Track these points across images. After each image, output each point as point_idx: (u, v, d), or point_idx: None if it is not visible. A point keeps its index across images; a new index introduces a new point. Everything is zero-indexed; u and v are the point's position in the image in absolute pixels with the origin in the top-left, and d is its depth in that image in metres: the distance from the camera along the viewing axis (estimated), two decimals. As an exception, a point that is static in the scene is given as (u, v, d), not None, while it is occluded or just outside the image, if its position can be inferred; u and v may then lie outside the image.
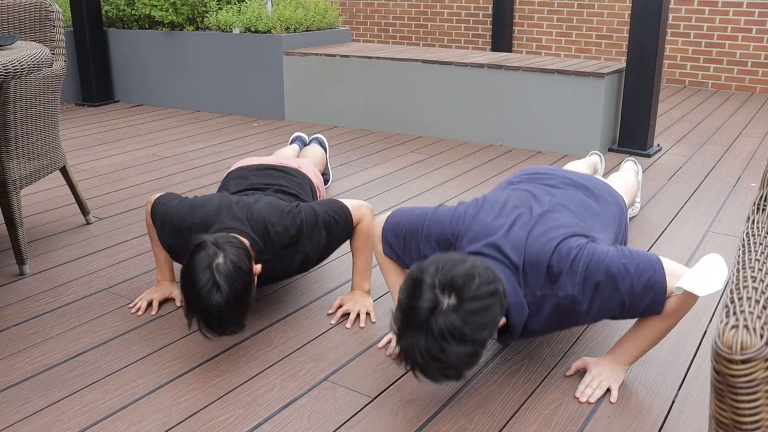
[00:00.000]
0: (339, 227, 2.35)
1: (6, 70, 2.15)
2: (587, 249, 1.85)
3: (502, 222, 1.95)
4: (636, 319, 1.96)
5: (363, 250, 2.44)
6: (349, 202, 2.41)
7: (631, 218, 3.32)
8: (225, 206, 2.28)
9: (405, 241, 2.08)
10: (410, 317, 1.66)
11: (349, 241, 2.45)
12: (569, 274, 1.83)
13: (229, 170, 3.01)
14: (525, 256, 1.87)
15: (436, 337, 1.63)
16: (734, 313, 0.88)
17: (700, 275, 1.75)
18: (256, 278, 2.09)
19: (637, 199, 3.38)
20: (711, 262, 1.78)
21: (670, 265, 1.84)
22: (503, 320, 1.82)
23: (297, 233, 2.27)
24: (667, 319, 1.87)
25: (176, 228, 2.28)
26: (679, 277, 1.81)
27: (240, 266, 1.98)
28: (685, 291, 1.78)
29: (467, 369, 1.71)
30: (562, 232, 1.90)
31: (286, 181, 2.62)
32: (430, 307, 1.64)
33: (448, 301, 1.64)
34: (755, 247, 1.14)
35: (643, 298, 1.81)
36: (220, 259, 1.95)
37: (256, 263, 2.16)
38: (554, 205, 2.05)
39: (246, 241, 2.16)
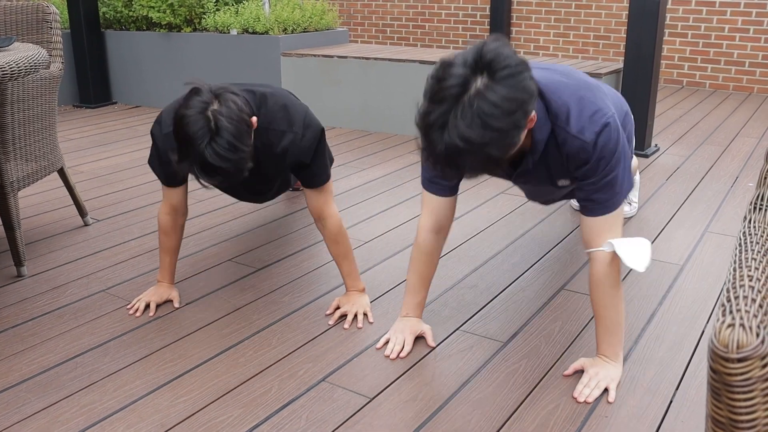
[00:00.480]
0: (322, 160, 2.35)
1: (3, 72, 2.15)
2: (613, 116, 1.86)
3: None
4: (594, 315, 2.04)
5: (345, 255, 2.45)
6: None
7: (629, 218, 3.33)
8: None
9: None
10: (441, 92, 1.55)
11: (329, 250, 2.45)
12: (591, 121, 1.82)
13: None
14: (552, 82, 1.86)
15: (476, 114, 1.52)
16: (731, 312, 0.88)
17: (630, 245, 1.86)
18: (252, 131, 2.05)
19: (635, 199, 3.38)
20: (641, 243, 1.87)
21: (619, 222, 1.95)
22: (533, 115, 1.69)
23: (293, 111, 2.28)
24: (608, 288, 1.95)
25: (175, 111, 2.26)
26: (617, 236, 1.93)
27: (238, 113, 1.96)
28: (613, 251, 1.90)
29: (511, 145, 1.61)
30: (598, 90, 1.92)
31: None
32: (462, 81, 1.54)
33: (481, 77, 1.54)
34: (752, 246, 1.14)
35: (604, 192, 1.89)
36: (215, 105, 1.94)
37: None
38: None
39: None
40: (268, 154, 2.28)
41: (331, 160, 2.43)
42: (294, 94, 2.56)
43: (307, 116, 2.32)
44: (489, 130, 1.53)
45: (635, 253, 1.84)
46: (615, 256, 1.93)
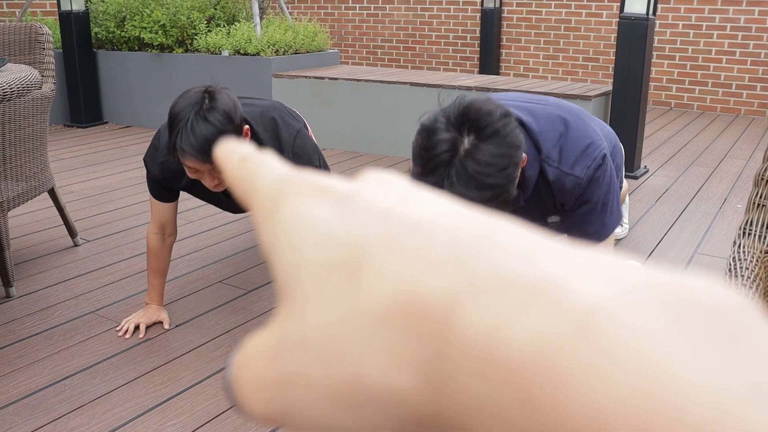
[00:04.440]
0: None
1: (-5, 93, 2.16)
2: (604, 146, 1.88)
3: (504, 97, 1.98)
4: None
5: None
6: None
7: (620, 239, 3.34)
8: None
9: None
10: (432, 160, 1.57)
11: None
12: (583, 156, 1.84)
13: None
14: (540, 121, 1.87)
15: (470, 176, 1.54)
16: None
17: None
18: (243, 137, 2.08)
19: (625, 220, 3.40)
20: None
21: (611, 243, 1.99)
22: (525, 157, 1.72)
23: (287, 132, 2.30)
24: None
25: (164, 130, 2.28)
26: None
27: (229, 110, 2.00)
28: None
29: (508, 198, 1.63)
30: (589, 124, 1.94)
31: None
32: (450, 147, 1.55)
33: (468, 138, 1.55)
34: (742, 272, 1.15)
35: (593, 224, 1.92)
36: (207, 102, 1.98)
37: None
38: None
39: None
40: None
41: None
42: (292, 112, 2.56)
43: (299, 135, 2.32)
44: (486, 189, 1.55)
45: None
46: None
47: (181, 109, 2.00)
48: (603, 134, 2.13)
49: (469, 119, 1.57)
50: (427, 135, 1.60)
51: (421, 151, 1.60)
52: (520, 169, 1.64)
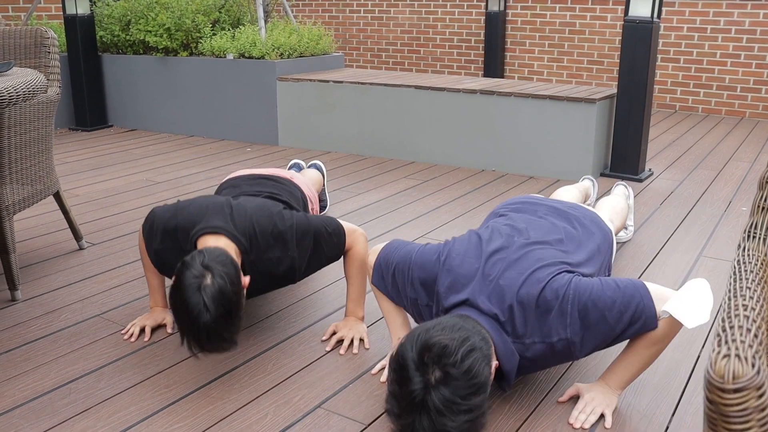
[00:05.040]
0: (330, 241, 2.35)
1: (1, 97, 2.16)
2: (573, 287, 1.87)
3: (479, 266, 1.97)
4: (626, 346, 1.97)
5: (357, 276, 2.44)
6: (344, 224, 2.42)
7: (624, 242, 3.34)
8: (211, 206, 2.27)
9: (394, 277, 2.11)
10: (407, 403, 1.65)
11: (343, 267, 2.46)
12: (558, 316, 1.85)
13: (221, 181, 3.02)
14: (507, 305, 1.89)
15: (436, 416, 1.62)
16: (726, 342, 0.88)
17: (686, 302, 1.78)
18: (244, 291, 2.08)
19: (630, 223, 3.40)
20: (697, 289, 1.80)
21: (655, 289, 1.87)
22: (495, 364, 1.82)
23: (284, 234, 2.26)
24: (655, 344, 1.89)
25: (163, 230, 2.27)
26: (665, 300, 1.85)
27: (227, 286, 1.96)
28: (671, 315, 1.81)
29: (481, 421, 1.70)
30: (546, 273, 1.91)
31: (277, 190, 2.61)
32: (421, 387, 1.63)
33: (434, 376, 1.63)
34: (746, 275, 1.15)
35: (633, 325, 1.84)
36: (208, 281, 1.94)
37: (243, 273, 2.15)
38: (538, 238, 2.08)
39: (231, 248, 2.16)
40: (270, 278, 2.31)
41: (325, 205, 2.43)
42: (275, 197, 2.55)
43: (297, 230, 2.29)
44: (449, 428, 1.62)
45: (694, 305, 1.76)
46: (674, 320, 1.84)
47: (185, 319, 1.95)
48: (590, 242, 2.18)
49: (432, 356, 1.64)
50: (399, 380, 1.66)
51: (395, 387, 1.67)
52: (485, 403, 1.70)
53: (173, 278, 2.00)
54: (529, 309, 1.87)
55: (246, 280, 2.10)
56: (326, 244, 2.34)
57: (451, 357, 1.64)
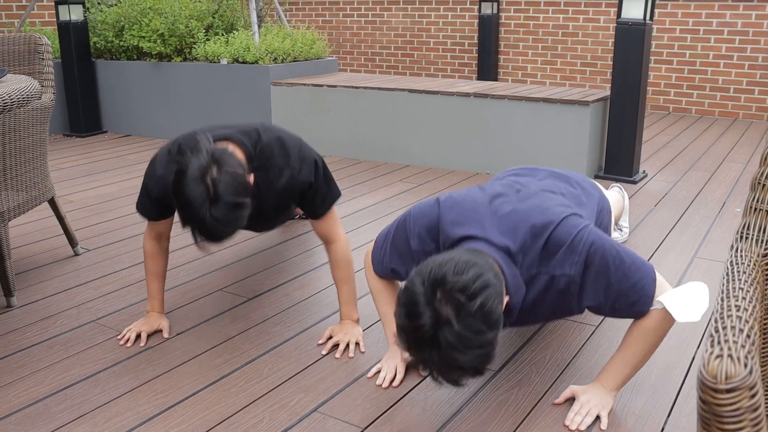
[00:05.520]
0: (324, 187, 2.38)
1: (-5, 103, 2.16)
2: (587, 231, 1.87)
3: (486, 200, 1.97)
4: (620, 344, 1.98)
5: (344, 279, 2.46)
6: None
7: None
8: (215, 126, 2.33)
9: (395, 244, 2.10)
10: (416, 337, 1.63)
11: (331, 273, 2.48)
12: (568, 252, 1.85)
13: None
14: (520, 236, 1.87)
15: (447, 350, 1.60)
16: (719, 343, 0.89)
17: (682, 298, 1.79)
18: (249, 190, 2.08)
19: (626, 225, 3.41)
20: (696, 290, 1.81)
21: (660, 280, 1.89)
22: (507, 299, 1.81)
23: (289, 147, 2.30)
24: (647, 338, 1.90)
25: (169, 151, 2.29)
26: (663, 292, 1.87)
27: (236, 179, 1.97)
28: (665, 308, 1.83)
29: (485, 366, 1.68)
30: (560, 211, 1.92)
31: None
32: (432, 323, 1.60)
33: (445, 311, 1.60)
34: (739, 275, 1.15)
35: (630, 295, 1.85)
36: (215, 173, 1.94)
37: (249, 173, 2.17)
38: (544, 189, 2.09)
39: (238, 150, 2.18)
40: (268, 193, 2.32)
41: (338, 193, 2.46)
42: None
43: (302, 149, 2.35)
44: (459, 364, 1.62)
45: (688, 303, 1.77)
46: (668, 313, 1.86)
47: (188, 204, 1.95)
48: (590, 201, 2.18)
49: (447, 290, 1.62)
50: (409, 314, 1.64)
51: (405, 322, 1.66)
52: (496, 340, 1.68)
53: (177, 168, 2.01)
54: (540, 240, 1.86)
55: (251, 177, 2.11)
56: (321, 182, 2.37)
57: (464, 293, 1.61)
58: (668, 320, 1.86)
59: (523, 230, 1.88)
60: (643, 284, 1.85)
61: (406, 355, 2.20)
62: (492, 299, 1.63)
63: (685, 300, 1.79)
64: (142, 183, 2.37)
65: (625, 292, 1.85)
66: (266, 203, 2.35)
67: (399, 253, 2.10)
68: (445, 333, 1.59)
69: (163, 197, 2.33)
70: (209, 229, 1.98)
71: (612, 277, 1.84)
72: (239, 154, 2.19)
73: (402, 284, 1.96)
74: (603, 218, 2.31)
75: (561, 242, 1.85)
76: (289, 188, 2.32)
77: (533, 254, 1.87)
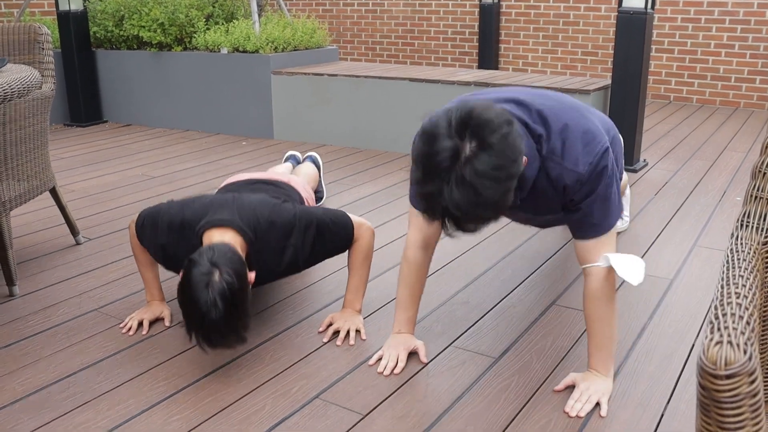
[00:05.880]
0: (335, 234, 2.36)
1: (-4, 92, 2.17)
2: (608, 155, 1.90)
3: (514, 96, 1.97)
4: (587, 325, 2.06)
5: (360, 268, 2.45)
6: (353, 217, 2.43)
7: (620, 232, 3.36)
8: (216, 201, 2.32)
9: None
10: (433, 166, 1.59)
11: (347, 257, 2.47)
12: (585, 152, 1.87)
13: (218, 187, 3.04)
14: (554, 127, 1.88)
15: (468, 183, 1.57)
16: (719, 329, 0.90)
17: (624, 261, 1.89)
18: (250, 287, 2.11)
19: (627, 213, 3.41)
20: (635, 260, 1.90)
21: (613, 237, 1.99)
22: (525, 159, 1.77)
23: (288, 224, 2.29)
24: (604, 301, 1.98)
25: (169, 225, 2.30)
26: (612, 246, 1.98)
27: (235, 283, 1.99)
28: (609, 267, 1.93)
29: (505, 207, 1.66)
30: (590, 121, 1.94)
31: (276, 193, 2.63)
32: (452, 151, 1.57)
33: (469, 145, 1.58)
34: (739, 263, 1.16)
35: (598, 216, 1.94)
36: (216, 278, 1.97)
37: (249, 268, 2.18)
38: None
39: (237, 241, 2.18)
40: (274, 269, 2.33)
41: (342, 213, 2.46)
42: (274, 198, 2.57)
43: (299, 219, 2.31)
44: (482, 199, 1.59)
45: (630, 267, 1.86)
46: (610, 271, 1.95)
47: (194, 317, 1.99)
48: (602, 126, 2.15)
49: (472, 125, 1.59)
50: (428, 141, 1.61)
51: (422, 158, 1.62)
52: (517, 179, 1.66)
53: (181, 275, 2.03)
54: (568, 137, 1.87)
55: (252, 275, 2.13)
56: (330, 233, 2.35)
57: (490, 127, 1.58)
58: (610, 280, 1.96)
59: (554, 125, 1.88)
60: (610, 220, 1.96)
61: (384, 362, 2.21)
62: (514, 136, 1.62)
63: (626, 263, 1.87)
64: (146, 215, 2.37)
65: (597, 210, 1.92)
66: (271, 276, 2.37)
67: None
68: (468, 166, 1.56)
69: (165, 260, 2.38)
70: (213, 337, 2.02)
71: (600, 191, 1.90)
72: (238, 245, 2.19)
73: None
74: (614, 145, 2.32)
75: (578, 138, 1.87)
76: (296, 260, 2.34)
77: (552, 140, 1.87)
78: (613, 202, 1.95)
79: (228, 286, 1.97)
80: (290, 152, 3.95)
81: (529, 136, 1.85)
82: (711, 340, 0.87)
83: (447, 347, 2.35)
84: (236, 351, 2.32)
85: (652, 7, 4.29)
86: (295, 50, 5.73)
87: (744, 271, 1.12)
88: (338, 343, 2.36)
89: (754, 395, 0.85)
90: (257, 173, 2.89)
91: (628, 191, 3.45)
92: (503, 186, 1.60)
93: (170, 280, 2.85)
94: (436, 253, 2.94)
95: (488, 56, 7.90)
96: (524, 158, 1.72)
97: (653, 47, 7.17)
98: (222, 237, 2.17)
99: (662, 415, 1.97)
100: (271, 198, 2.40)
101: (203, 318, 1.95)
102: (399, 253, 3.15)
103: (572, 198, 1.92)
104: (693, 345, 2.34)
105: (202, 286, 1.96)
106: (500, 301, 2.67)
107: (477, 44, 8.08)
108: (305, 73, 5.35)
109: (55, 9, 6.20)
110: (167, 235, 2.30)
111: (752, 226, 1.35)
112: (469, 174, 1.57)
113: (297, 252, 2.31)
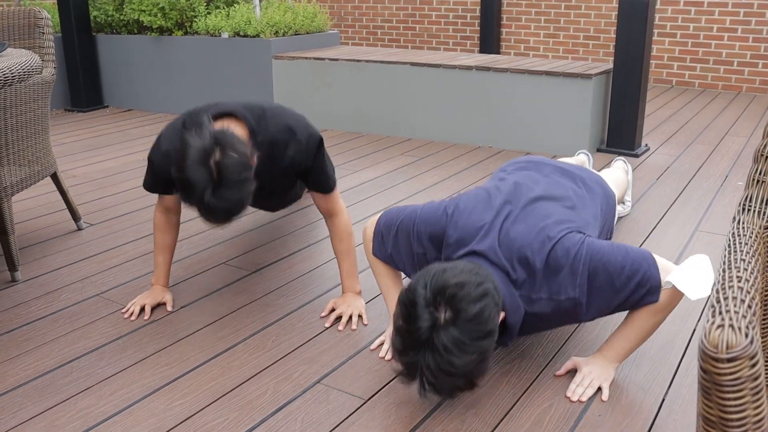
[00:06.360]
0: (328, 162, 2.41)
1: (-3, 77, 2.16)
2: (585, 247, 1.88)
3: (489, 219, 1.97)
4: (625, 318, 1.99)
5: (345, 251, 2.48)
6: (335, 191, 2.48)
7: (622, 217, 3.35)
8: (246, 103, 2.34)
9: (397, 237, 2.11)
10: (413, 339, 1.68)
11: (332, 246, 2.49)
12: (569, 275, 1.86)
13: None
14: (517, 259, 1.89)
15: (441, 353, 1.65)
16: (720, 313, 0.90)
17: (689, 274, 1.80)
18: (252, 170, 2.07)
19: (628, 198, 3.41)
20: (699, 263, 1.82)
21: (661, 262, 1.89)
22: (502, 315, 1.84)
23: (293, 121, 2.32)
24: (656, 315, 1.90)
25: (172, 138, 2.29)
26: (669, 272, 1.87)
27: (239, 161, 1.97)
28: (674, 287, 1.84)
29: (479, 377, 1.74)
30: (557, 230, 1.92)
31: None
32: (429, 325, 1.66)
33: (444, 315, 1.66)
34: (741, 247, 1.16)
35: (636, 292, 1.86)
36: (217, 156, 1.95)
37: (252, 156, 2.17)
38: (545, 195, 2.08)
39: (241, 126, 2.19)
40: (273, 168, 2.32)
41: (333, 170, 2.48)
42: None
43: (307, 125, 2.36)
44: (454, 373, 1.68)
45: (696, 278, 1.79)
46: (676, 290, 1.86)
47: (190, 187, 1.95)
48: (594, 201, 2.19)
49: (447, 296, 1.68)
50: (408, 308, 1.70)
51: (403, 324, 1.71)
52: (493, 342, 1.73)
53: (180, 139, 2.01)
54: (539, 265, 1.88)
55: (254, 159, 2.10)
56: (326, 156, 2.39)
57: (464, 299, 1.66)
58: (676, 297, 1.87)
59: (518, 255, 1.90)
60: (648, 276, 1.85)
61: (385, 348, 2.22)
62: (490, 308, 1.70)
63: (692, 276, 1.80)
64: (147, 159, 2.37)
65: (633, 290, 1.86)
66: (271, 178, 2.35)
67: (400, 248, 2.12)
68: (441, 336, 1.65)
69: (168, 174, 2.34)
70: (212, 212, 1.99)
71: (617, 282, 1.85)
72: (242, 131, 2.19)
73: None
74: (607, 218, 2.31)
75: (561, 264, 1.87)
76: (296, 162, 2.32)
77: (536, 278, 1.89)
78: (632, 264, 1.86)
79: (232, 167, 1.95)
80: None
81: (509, 285, 1.88)
82: (712, 323, 0.88)
83: (448, 332, 2.35)
84: (238, 336, 2.33)
85: (655, -9, 4.26)
86: (296, 35, 5.71)
87: (746, 255, 1.12)
88: (340, 328, 2.36)
89: (756, 378, 0.85)
90: None
91: (630, 176, 3.44)
92: (476, 357, 1.68)
93: (177, 262, 2.86)
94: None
95: (490, 40, 7.87)
96: (501, 314, 1.82)
97: (655, 31, 7.14)
98: (222, 125, 2.16)
99: (663, 399, 1.97)
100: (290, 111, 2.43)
101: (203, 200, 1.94)
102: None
103: (595, 309, 1.91)
104: (694, 329, 2.35)
105: (201, 161, 1.94)
106: (502, 286, 2.67)
107: (479, 28, 8.04)
108: (306, 58, 5.33)
109: (54, -7, 6.17)
110: (170, 143, 2.29)
111: (754, 211, 1.35)
112: (443, 348, 1.65)
113: (299, 150, 2.30)
